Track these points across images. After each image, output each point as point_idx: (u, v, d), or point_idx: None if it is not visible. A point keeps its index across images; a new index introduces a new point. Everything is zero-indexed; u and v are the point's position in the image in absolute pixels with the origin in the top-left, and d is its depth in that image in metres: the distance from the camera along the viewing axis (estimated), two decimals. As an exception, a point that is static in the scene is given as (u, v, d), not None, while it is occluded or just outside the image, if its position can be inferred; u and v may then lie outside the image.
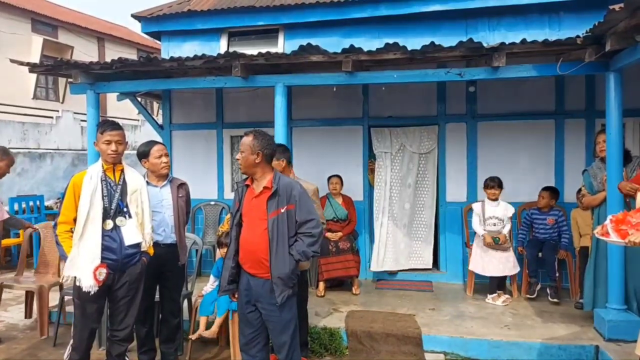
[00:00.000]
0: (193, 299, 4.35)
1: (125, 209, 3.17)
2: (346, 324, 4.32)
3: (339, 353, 4.08)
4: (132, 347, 3.78)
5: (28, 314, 4.81)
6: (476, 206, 5.20)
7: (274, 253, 2.80)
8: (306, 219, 2.86)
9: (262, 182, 2.91)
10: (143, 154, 3.70)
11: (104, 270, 3.02)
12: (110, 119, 3.50)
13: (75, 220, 3.08)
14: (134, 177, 3.32)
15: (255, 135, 2.91)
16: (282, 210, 2.83)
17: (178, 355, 3.87)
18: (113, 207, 3.12)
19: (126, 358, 3.36)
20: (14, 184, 9.11)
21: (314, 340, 4.11)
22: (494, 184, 5.05)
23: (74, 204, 3.08)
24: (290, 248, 2.83)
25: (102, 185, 3.13)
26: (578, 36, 3.81)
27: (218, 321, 3.93)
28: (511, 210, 5.06)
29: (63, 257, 3.09)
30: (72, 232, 3.08)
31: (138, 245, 3.21)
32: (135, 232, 3.19)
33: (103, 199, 3.10)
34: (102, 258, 3.03)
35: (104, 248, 3.05)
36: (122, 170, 3.27)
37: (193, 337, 3.97)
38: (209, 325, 4.01)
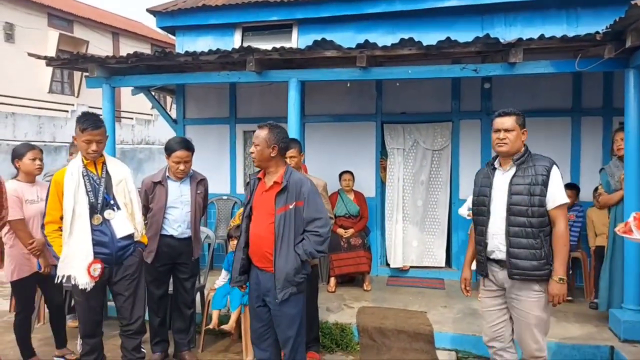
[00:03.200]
0: (205, 292, 4.39)
1: (112, 202, 3.11)
2: (357, 319, 4.32)
3: (350, 349, 4.09)
4: (145, 339, 3.83)
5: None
6: None
7: (278, 249, 2.77)
8: (313, 217, 2.80)
9: (273, 177, 2.87)
10: (166, 150, 3.66)
11: (98, 266, 2.98)
12: (92, 111, 3.40)
13: (62, 218, 3.03)
14: (117, 167, 3.23)
15: (270, 129, 2.84)
16: (291, 207, 2.78)
17: (191, 347, 3.90)
18: (99, 201, 3.06)
19: (142, 350, 3.38)
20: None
21: (325, 336, 4.11)
22: None
23: (59, 202, 3.02)
24: (297, 247, 2.79)
25: (84, 181, 3.05)
26: (597, 32, 3.75)
27: (234, 315, 3.95)
28: None
29: (55, 258, 3.07)
30: (61, 231, 3.03)
31: (131, 236, 3.16)
32: (126, 224, 3.13)
33: (87, 194, 3.03)
34: (95, 253, 2.99)
35: (96, 243, 3.00)
36: (104, 163, 3.18)
37: (210, 326, 4.00)
38: (223, 319, 4.05)
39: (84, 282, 2.96)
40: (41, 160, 3.64)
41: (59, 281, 3.03)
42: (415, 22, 5.73)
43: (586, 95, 5.46)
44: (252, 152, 2.89)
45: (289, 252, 2.77)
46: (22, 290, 3.58)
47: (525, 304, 2.74)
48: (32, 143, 3.94)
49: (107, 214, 3.07)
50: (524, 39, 3.91)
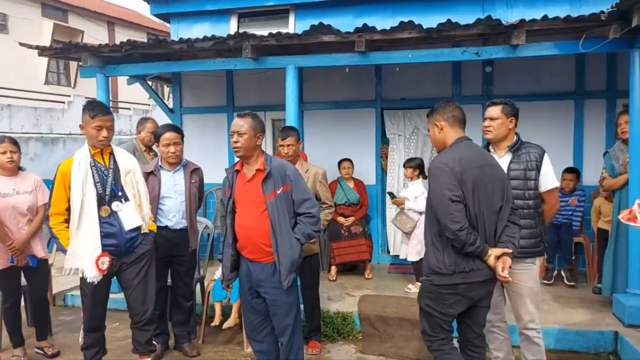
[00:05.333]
0: (205, 283, 4.35)
1: (120, 193, 3.06)
2: (359, 308, 4.29)
3: (351, 337, 4.06)
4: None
5: None
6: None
7: (278, 236, 2.74)
8: (303, 199, 2.82)
9: (254, 166, 2.83)
10: (155, 137, 3.65)
11: (106, 259, 2.95)
12: (97, 100, 3.32)
13: (67, 210, 2.98)
14: (125, 158, 3.19)
15: (253, 117, 2.82)
16: (279, 192, 2.77)
17: (192, 339, 3.87)
18: (107, 192, 3.01)
19: (153, 342, 3.35)
20: (27, 169, 9.17)
21: (327, 325, 4.09)
22: (407, 163, 4.90)
23: (65, 194, 2.98)
24: (294, 232, 2.78)
25: (92, 172, 2.99)
26: (602, 12, 3.64)
27: (236, 308, 3.89)
28: (420, 190, 4.73)
29: (62, 251, 3.03)
30: (67, 222, 2.99)
31: (138, 228, 3.12)
32: (134, 215, 3.08)
33: (95, 185, 2.98)
34: (103, 245, 2.95)
35: (104, 235, 2.96)
36: (111, 153, 3.13)
37: (214, 323, 3.95)
38: (223, 309, 4.01)
39: (92, 275, 2.94)
40: (13, 152, 3.56)
41: (66, 274, 3.01)
42: (415, 5, 5.61)
43: (589, 78, 5.36)
44: (236, 142, 2.78)
45: (290, 238, 2.76)
46: (3, 279, 3.60)
47: (519, 276, 2.86)
48: (8, 135, 3.90)
49: (115, 205, 3.03)
50: (527, 20, 3.81)
